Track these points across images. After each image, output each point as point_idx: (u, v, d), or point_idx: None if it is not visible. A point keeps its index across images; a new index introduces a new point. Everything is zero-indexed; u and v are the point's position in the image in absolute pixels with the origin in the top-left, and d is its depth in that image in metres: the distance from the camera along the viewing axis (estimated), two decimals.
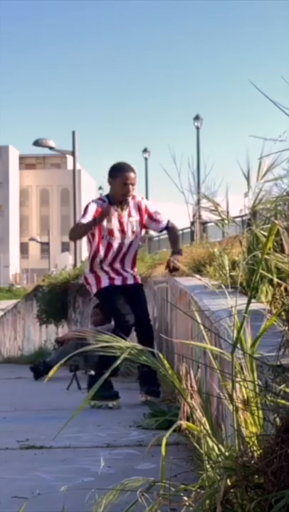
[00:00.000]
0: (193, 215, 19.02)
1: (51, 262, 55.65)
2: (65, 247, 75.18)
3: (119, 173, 5.66)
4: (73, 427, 4.00)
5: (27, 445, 4.30)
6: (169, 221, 5.87)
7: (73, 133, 20.65)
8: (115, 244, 5.70)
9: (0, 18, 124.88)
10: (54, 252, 64.14)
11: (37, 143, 20.68)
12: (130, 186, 5.64)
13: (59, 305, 14.69)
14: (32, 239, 70.08)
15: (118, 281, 5.78)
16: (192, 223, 18.73)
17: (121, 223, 5.68)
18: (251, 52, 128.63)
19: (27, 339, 19.06)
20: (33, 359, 13.03)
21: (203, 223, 18.09)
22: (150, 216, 5.78)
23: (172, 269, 5.72)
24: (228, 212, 4.81)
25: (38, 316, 15.38)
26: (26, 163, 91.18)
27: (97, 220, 5.54)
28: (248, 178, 4.18)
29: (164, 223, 5.84)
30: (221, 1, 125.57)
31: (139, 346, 2.30)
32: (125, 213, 5.70)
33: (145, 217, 5.76)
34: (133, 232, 5.73)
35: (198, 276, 5.34)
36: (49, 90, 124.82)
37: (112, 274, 5.76)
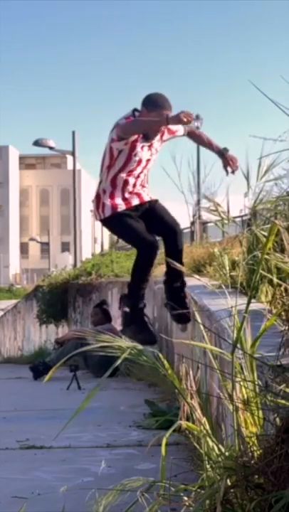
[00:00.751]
0: (193, 215, 19.09)
1: (51, 262, 55.69)
2: (65, 247, 75.22)
3: (155, 109, 5.03)
4: (73, 427, 3.99)
5: (27, 445, 4.31)
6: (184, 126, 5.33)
7: (73, 133, 20.67)
8: (144, 159, 5.23)
9: (0, 18, 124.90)
10: (54, 252, 64.19)
11: (37, 143, 20.69)
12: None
13: (59, 305, 14.69)
14: (32, 239, 70.14)
15: (135, 201, 5.20)
16: (192, 223, 18.76)
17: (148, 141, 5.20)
18: (251, 52, 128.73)
19: (27, 339, 19.06)
20: (33, 359, 13.02)
21: (203, 223, 18.10)
22: (169, 131, 5.31)
23: (234, 170, 5.14)
24: (228, 212, 4.82)
25: (38, 316, 15.38)
26: (26, 163, 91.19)
27: (168, 120, 4.90)
28: (248, 178, 4.19)
29: (181, 129, 5.35)
30: (221, 1, 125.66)
31: (140, 346, 2.30)
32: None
33: (165, 133, 5.29)
34: (156, 150, 5.31)
35: (197, 276, 5.35)
36: (49, 90, 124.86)
37: (128, 194, 5.21)
